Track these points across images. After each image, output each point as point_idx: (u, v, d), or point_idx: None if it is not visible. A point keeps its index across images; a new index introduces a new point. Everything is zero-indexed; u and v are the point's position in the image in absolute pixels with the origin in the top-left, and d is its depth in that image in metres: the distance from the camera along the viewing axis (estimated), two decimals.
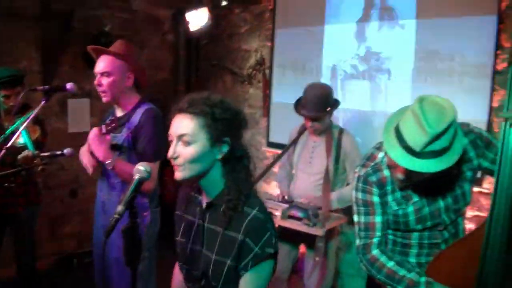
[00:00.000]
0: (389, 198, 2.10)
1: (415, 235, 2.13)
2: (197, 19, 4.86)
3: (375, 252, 2.06)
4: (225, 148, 1.69)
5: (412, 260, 2.13)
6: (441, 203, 2.06)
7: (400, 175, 1.92)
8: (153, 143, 2.80)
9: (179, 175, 1.68)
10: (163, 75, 5.47)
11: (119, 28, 4.84)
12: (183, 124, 1.66)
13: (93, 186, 3.10)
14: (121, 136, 2.82)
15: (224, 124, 1.66)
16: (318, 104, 3.24)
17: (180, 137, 1.66)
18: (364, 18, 4.12)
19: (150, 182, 2.68)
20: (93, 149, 2.70)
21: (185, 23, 5.01)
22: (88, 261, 4.14)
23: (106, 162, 2.67)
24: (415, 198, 2.07)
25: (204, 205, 1.78)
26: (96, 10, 4.73)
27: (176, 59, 5.50)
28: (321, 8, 4.41)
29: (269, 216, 1.72)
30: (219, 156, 1.69)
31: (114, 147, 2.79)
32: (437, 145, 1.76)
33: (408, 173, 1.87)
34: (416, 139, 1.77)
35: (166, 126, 2.84)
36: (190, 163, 1.66)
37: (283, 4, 4.76)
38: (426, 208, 2.06)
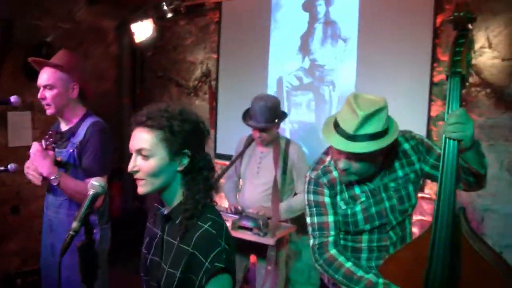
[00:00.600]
0: (338, 198, 2.19)
1: (364, 237, 2.20)
2: (142, 30, 4.83)
3: (333, 251, 2.12)
4: (185, 160, 1.69)
5: (363, 264, 2.20)
6: (386, 203, 2.16)
7: (342, 164, 2.04)
8: (100, 157, 2.73)
9: (141, 190, 1.69)
10: (107, 87, 5.37)
11: (61, 38, 4.72)
12: (141, 138, 1.66)
13: (37, 202, 3.01)
14: (66, 152, 2.74)
15: (183, 137, 1.66)
16: (266, 115, 3.29)
17: (138, 151, 1.66)
18: (309, 32, 4.23)
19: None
20: (37, 165, 2.59)
21: (129, 35, 4.97)
22: (33, 280, 4.01)
23: (51, 178, 2.58)
24: (362, 198, 2.16)
25: (164, 216, 1.79)
26: (38, 20, 4.60)
27: (120, 70, 5.42)
28: (266, 21, 4.50)
29: (223, 232, 1.70)
30: (179, 168, 1.69)
31: (59, 164, 2.69)
32: (369, 128, 1.92)
33: (348, 160, 2.01)
34: (350, 123, 1.93)
35: (112, 139, 2.83)
36: (150, 177, 1.66)
37: (228, 17, 4.81)
38: (373, 207, 2.15)
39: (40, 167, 2.59)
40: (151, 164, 1.64)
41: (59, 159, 2.71)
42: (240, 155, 3.56)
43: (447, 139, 1.80)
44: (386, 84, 3.71)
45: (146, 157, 1.64)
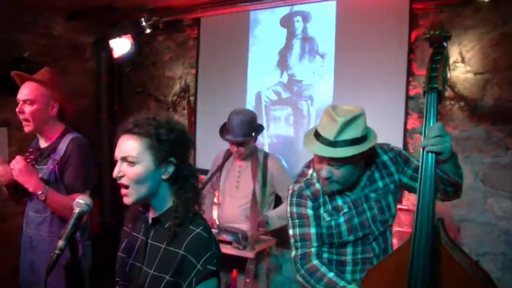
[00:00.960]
0: (322, 210, 2.23)
1: (349, 250, 2.24)
2: (121, 46, 4.83)
3: (315, 262, 2.15)
4: (170, 169, 1.71)
5: (348, 277, 2.23)
6: (368, 213, 2.21)
7: (324, 172, 2.08)
8: (81, 173, 2.73)
9: (127, 200, 1.69)
10: (85, 102, 5.33)
11: (38, 54, 4.69)
12: (127, 145, 1.68)
13: (16, 219, 2.97)
14: (47, 169, 2.72)
15: (169, 145, 1.69)
16: (243, 129, 3.32)
17: (124, 158, 1.67)
18: (287, 47, 4.30)
19: None
20: (23, 180, 2.57)
21: (107, 50, 4.96)
22: None
23: (38, 193, 2.56)
24: (345, 209, 2.21)
25: (150, 221, 1.79)
26: (14, 35, 4.57)
27: (98, 86, 5.39)
28: (245, 36, 4.55)
29: (214, 237, 1.73)
30: (164, 177, 1.71)
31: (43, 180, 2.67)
32: (349, 134, 1.99)
33: (330, 167, 2.07)
34: (330, 130, 2.00)
35: (92, 154, 2.81)
36: (135, 184, 1.67)
37: (206, 33, 4.85)
38: (356, 218, 2.20)
39: (26, 183, 2.57)
40: (137, 170, 1.66)
41: (40, 175, 2.68)
42: (219, 169, 3.57)
43: (426, 152, 1.86)
44: (363, 98, 3.77)
45: (131, 164, 1.66)
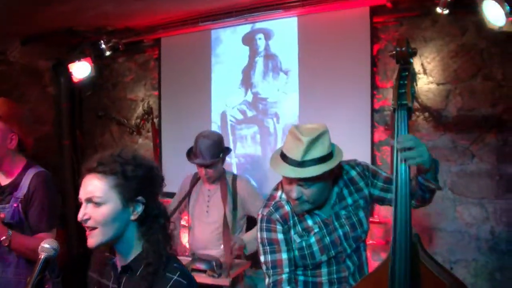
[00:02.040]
0: (292, 231, 2.18)
1: (324, 271, 2.20)
2: (80, 69, 4.72)
3: (286, 286, 2.11)
4: (139, 208, 1.60)
5: None
6: (339, 231, 2.18)
7: (294, 193, 2.05)
8: (47, 211, 2.57)
9: (91, 241, 1.57)
10: (46, 129, 5.18)
11: None
12: (92, 185, 1.56)
13: None
14: (10, 207, 2.55)
15: (137, 182, 1.59)
16: (211, 151, 3.26)
17: (89, 199, 1.56)
18: (250, 65, 4.28)
19: None
20: None
21: (67, 75, 4.84)
22: None
23: (1, 239, 2.42)
24: (316, 229, 2.17)
25: (119, 268, 1.66)
26: None
27: (59, 112, 5.24)
28: (207, 56, 4.52)
29: (193, 282, 1.63)
30: (133, 217, 1.60)
31: (7, 224, 2.50)
32: (315, 153, 1.98)
33: (300, 187, 2.04)
34: (296, 150, 1.98)
35: (57, 189, 2.69)
36: (102, 226, 1.55)
37: (168, 53, 4.79)
38: (327, 237, 2.16)
39: None
40: (103, 211, 1.54)
41: (2, 215, 2.53)
42: (187, 195, 3.49)
43: (399, 165, 1.84)
44: (328, 113, 3.78)
45: (97, 204, 1.54)
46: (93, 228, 1.56)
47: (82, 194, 1.59)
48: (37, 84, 5.12)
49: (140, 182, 1.60)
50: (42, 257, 1.62)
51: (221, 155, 3.34)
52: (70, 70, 4.71)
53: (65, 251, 5.03)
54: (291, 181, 2.05)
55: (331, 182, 2.16)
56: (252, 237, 3.33)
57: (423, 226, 3.53)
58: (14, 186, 2.61)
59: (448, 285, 1.78)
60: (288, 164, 2.00)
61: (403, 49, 1.97)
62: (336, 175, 2.18)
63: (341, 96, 3.80)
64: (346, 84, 3.77)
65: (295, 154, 1.98)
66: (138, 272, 1.59)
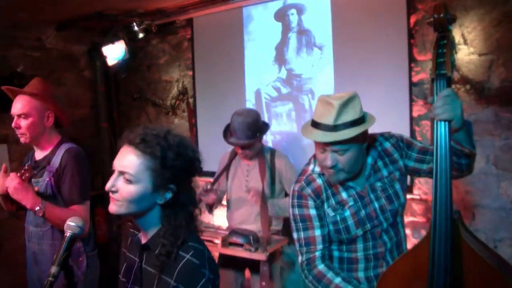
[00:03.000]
0: (326, 205, 2.14)
1: (359, 246, 2.15)
2: (114, 53, 4.75)
3: (321, 267, 2.08)
4: (168, 195, 1.58)
5: (361, 275, 2.16)
6: (375, 204, 2.13)
7: (329, 161, 2.00)
8: (78, 184, 2.68)
9: (113, 208, 1.57)
10: (84, 113, 5.28)
11: (32, 67, 4.63)
12: (128, 160, 1.55)
13: (20, 236, 2.93)
14: (43, 181, 2.68)
15: (173, 172, 1.56)
16: (247, 131, 3.23)
17: (122, 173, 1.55)
18: (283, 42, 4.21)
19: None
20: (19, 198, 2.53)
21: (101, 58, 4.89)
22: None
23: (36, 209, 2.52)
24: (350, 202, 2.12)
25: (142, 244, 1.68)
26: (6, 50, 4.50)
27: (95, 95, 5.33)
28: (239, 34, 4.46)
29: (205, 260, 1.58)
30: (161, 202, 1.59)
31: (41, 195, 2.63)
32: (347, 116, 1.93)
33: (334, 154, 1.99)
34: (327, 115, 1.94)
35: (89, 164, 2.76)
36: (127, 202, 1.54)
37: (200, 33, 4.77)
38: (362, 210, 2.12)
39: (23, 200, 2.53)
40: (132, 190, 1.53)
41: (36, 188, 2.65)
42: (226, 169, 3.48)
43: (437, 122, 1.76)
44: (364, 88, 3.63)
45: (128, 181, 1.53)
46: (118, 200, 1.57)
47: (117, 164, 1.58)
48: (73, 68, 5.20)
49: (177, 172, 1.57)
50: (68, 235, 1.64)
51: (257, 134, 3.30)
52: (105, 54, 4.76)
53: (106, 230, 5.16)
54: (324, 148, 2.00)
55: (365, 151, 2.11)
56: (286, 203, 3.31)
57: (465, 203, 3.41)
58: (47, 160, 2.74)
59: (494, 265, 1.71)
60: (321, 130, 1.96)
61: (441, 15, 1.86)
62: (369, 145, 2.13)
63: (378, 70, 3.68)
64: (382, 57, 3.65)
65: (327, 118, 1.94)
66: (156, 251, 1.58)
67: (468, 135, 1.90)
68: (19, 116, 2.67)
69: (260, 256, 3.10)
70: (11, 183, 2.54)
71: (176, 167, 1.56)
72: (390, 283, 1.92)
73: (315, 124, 2.00)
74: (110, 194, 1.57)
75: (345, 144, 1.95)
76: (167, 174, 1.55)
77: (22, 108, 2.66)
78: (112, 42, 4.70)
